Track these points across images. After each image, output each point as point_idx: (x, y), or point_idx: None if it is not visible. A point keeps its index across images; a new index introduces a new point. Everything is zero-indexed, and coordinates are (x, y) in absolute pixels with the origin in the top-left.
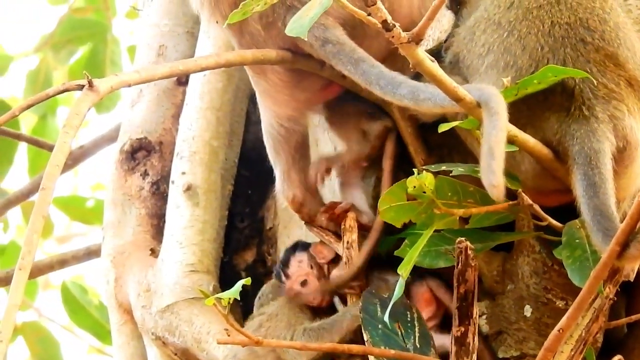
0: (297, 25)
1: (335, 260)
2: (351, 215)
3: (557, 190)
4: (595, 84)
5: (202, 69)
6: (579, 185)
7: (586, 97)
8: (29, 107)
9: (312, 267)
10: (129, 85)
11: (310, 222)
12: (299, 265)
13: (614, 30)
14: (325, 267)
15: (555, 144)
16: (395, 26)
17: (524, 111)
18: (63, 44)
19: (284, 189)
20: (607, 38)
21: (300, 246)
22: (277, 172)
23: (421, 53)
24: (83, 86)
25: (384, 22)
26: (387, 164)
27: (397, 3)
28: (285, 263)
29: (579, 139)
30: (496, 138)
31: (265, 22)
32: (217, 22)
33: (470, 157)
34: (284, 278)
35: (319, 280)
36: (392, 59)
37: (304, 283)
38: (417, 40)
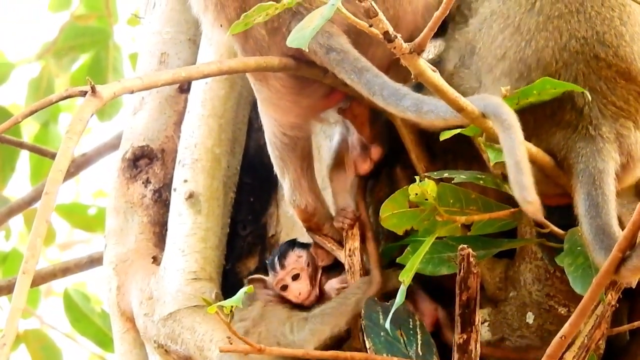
0: (299, 36)
1: (329, 268)
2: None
3: (559, 194)
4: (604, 102)
5: (205, 76)
6: (581, 204)
7: (594, 116)
8: (31, 113)
9: (308, 265)
10: (132, 92)
11: (317, 230)
12: (297, 260)
13: (629, 45)
14: (320, 271)
15: (561, 158)
16: (396, 37)
17: (529, 122)
18: (65, 51)
19: (295, 198)
20: (621, 54)
21: (300, 244)
22: (287, 182)
23: (422, 63)
24: (86, 92)
25: (386, 33)
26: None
27: (402, 11)
28: (283, 254)
29: (584, 157)
30: (520, 152)
31: (270, 28)
32: (221, 26)
33: (474, 164)
34: (277, 267)
35: (310, 280)
36: (397, 67)
37: (295, 277)
38: (419, 50)
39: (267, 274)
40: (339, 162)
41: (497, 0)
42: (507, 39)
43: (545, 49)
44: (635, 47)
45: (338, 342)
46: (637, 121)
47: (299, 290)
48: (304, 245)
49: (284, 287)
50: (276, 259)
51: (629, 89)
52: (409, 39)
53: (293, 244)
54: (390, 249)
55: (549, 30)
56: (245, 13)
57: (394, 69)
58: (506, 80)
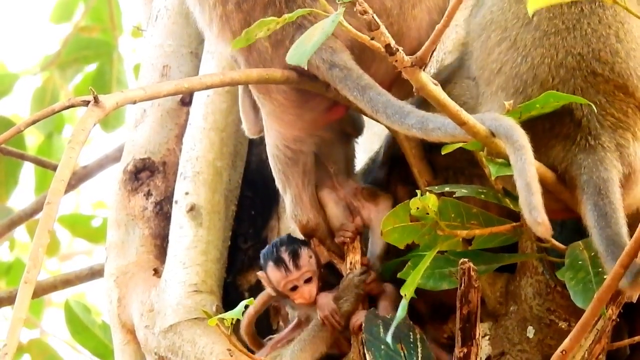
0: (299, 52)
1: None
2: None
3: (560, 209)
4: (603, 114)
5: (207, 87)
6: (590, 216)
7: (593, 127)
8: (34, 122)
9: (318, 267)
10: (134, 102)
11: (319, 245)
12: (309, 261)
13: (625, 61)
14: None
15: (562, 171)
16: (398, 50)
17: (529, 136)
18: (69, 63)
19: (297, 213)
20: (617, 70)
21: (302, 241)
22: (288, 197)
23: (424, 77)
24: (88, 102)
25: (387, 46)
26: None
27: (406, 27)
28: (296, 253)
29: (587, 168)
30: (530, 173)
31: (273, 40)
32: (225, 40)
33: (475, 179)
34: (292, 268)
35: (319, 282)
36: (400, 82)
37: (308, 280)
38: (421, 64)
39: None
40: (325, 183)
41: (498, 8)
42: (503, 53)
43: (541, 66)
44: (631, 63)
45: (340, 354)
46: (636, 133)
47: (310, 292)
48: (306, 243)
49: (294, 288)
50: (290, 259)
51: (627, 102)
52: (413, 55)
53: (297, 241)
54: (391, 264)
55: (545, 46)
56: (246, 29)
57: (397, 84)
58: (503, 94)
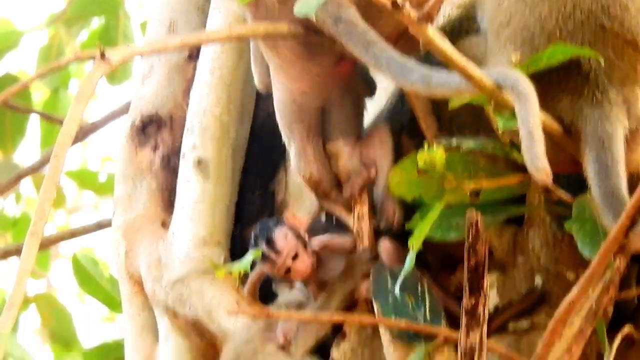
0: (306, 5)
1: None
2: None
3: (568, 161)
4: (611, 68)
5: (214, 41)
6: (591, 168)
7: (600, 81)
8: (40, 76)
9: (298, 239)
10: (141, 56)
11: (325, 197)
12: (286, 239)
13: (634, 17)
14: (305, 236)
15: (568, 124)
16: (404, 5)
17: (536, 89)
18: (75, 19)
19: (300, 167)
20: (627, 25)
21: (272, 222)
22: (292, 150)
23: (432, 32)
24: (95, 56)
25: (394, 2)
26: None
27: None
28: (270, 240)
29: (592, 122)
30: (533, 122)
31: None
32: None
33: (481, 132)
34: (272, 255)
35: (307, 252)
36: (406, 38)
37: (295, 257)
38: (428, 19)
39: None
40: (336, 137)
41: None
42: (512, 5)
43: (548, 19)
44: None
45: (348, 305)
46: None
47: (303, 266)
48: (276, 222)
49: (288, 271)
50: (268, 248)
51: (636, 58)
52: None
53: (268, 225)
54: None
55: (552, 0)
56: None
57: (404, 39)
58: (511, 46)
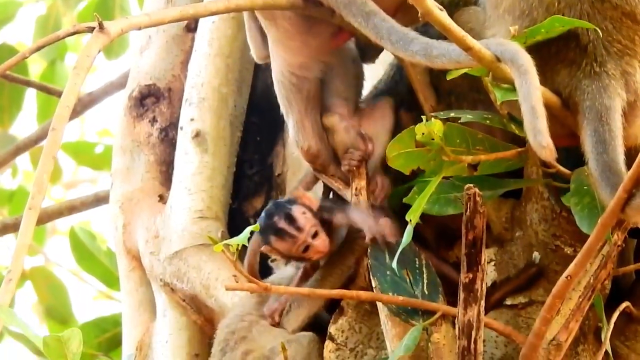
0: None
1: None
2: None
3: (566, 134)
4: (609, 41)
5: (212, 13)
6: (588, 141)
7: (599, 53)
8: (38, 49)
9: (315, 216)
10: (139, 28)
11: (323, 170)
12: (305, 217)
13: None
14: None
15: (566, 96)
16: None
17: (535, 61)
18: None
19: (298, 140)
20: None
21: (287, 201)
22: (291, 122)
23: (430, 3)
24: (93, 28)
25: None
26: None
27: None
28: (290, 218)
29: (590, 95)
30: (535, 97)
31: None
32: None
33: (479, 104)
34: (295, 232)
35: (324, 230)
36: (404, 9)
37: (315, 235)
38: None
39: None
40: (334, 110)
41: None
42: None
43: None
44: None
45: (346, 281)
46: None
47: (324, 244)
48: (293, 201)
49: (306, 248)
50: (289, 225)
51: (635, 30)
52: None
53: (285, 204)
54: (397, 191)
55: None
56: None
57: (403, 10)
58: (509, 17)
